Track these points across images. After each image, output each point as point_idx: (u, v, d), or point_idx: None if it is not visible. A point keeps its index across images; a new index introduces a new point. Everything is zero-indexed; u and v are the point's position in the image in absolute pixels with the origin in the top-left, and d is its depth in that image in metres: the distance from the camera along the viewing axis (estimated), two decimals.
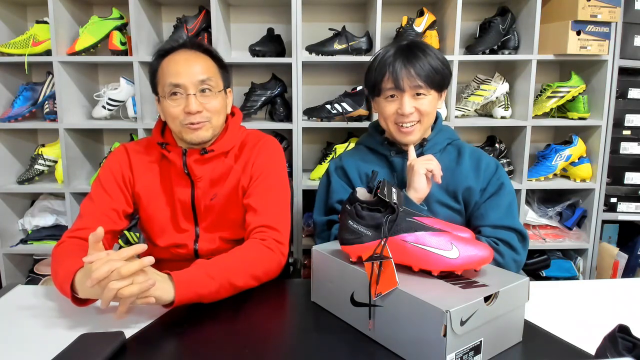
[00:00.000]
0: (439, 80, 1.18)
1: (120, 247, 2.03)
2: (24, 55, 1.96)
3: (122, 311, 0.88)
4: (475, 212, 1.22)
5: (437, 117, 1.30)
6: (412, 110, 1.17)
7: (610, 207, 2.16)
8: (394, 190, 0.90)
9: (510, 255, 1.15)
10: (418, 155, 1.22)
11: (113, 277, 0.86)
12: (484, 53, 2.06)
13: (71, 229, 1.14)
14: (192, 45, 1.20)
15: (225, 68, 1.24)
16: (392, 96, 1.19)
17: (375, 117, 2.02)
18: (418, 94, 1.17)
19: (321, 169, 2.12)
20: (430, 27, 2.07)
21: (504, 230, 1.17)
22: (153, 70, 1.20)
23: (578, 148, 2.12)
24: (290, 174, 2.10)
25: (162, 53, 1.19)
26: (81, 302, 0.94)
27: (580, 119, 2.11)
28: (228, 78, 1.25)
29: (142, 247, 0.92)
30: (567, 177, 2.20)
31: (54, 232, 2.14)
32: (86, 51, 1.97)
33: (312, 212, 1.37)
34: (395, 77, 1.15)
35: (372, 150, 1.32)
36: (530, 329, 0.87)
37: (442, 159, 1.22)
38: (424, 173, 1.14)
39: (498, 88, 2.13)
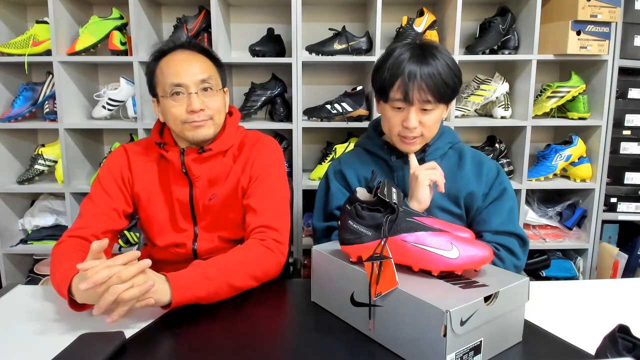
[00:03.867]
0: (449, 95, 1.15)
1: (120, 247, 2.03)
2: (24, 55, 1.96)
3: (120, 314, 0.88)
4: (476, 217, 1.21)
5: None
6: (416, 124, 1.13)
7: (610, 207, 2.16)
8: (394, 190, 0.90)
9: (510, 261, 1.15)
10: (419, 160, 1.19)
11: (113, 281, 0.85)
12: (484, 53, 2.06)
13: (71, 229, 1.14)
14: (189, 45, 1.20)
15: (222, 67, 1.24)
16: (399, 108, 1.14)
17: (375, 116, 2.03)
18: (425, 110, 1.13)
19: (321, 169, 2.12)
20: (430, 27, 2.07)
21: (505, 235, 1.17)
22: (150, 71, 1.20)
23: (578, 148, 2.12)
24: (290, 174, 2.10)
25: (159, 54, 1.19)
26: (78, 306, 0.93)
27: (580, 119, 2.11)
28: (225, 77, 1.25)
29: (136, 253, 0.92)
30: (567, 177, 2.20)
31: (54, 232, 2.14)
32: (86, 51, 1.97)
33: (312, 212, 1.37)
34: (405, 89, 1.10)
35: (371, 154, 1.30)
36: (530, 329, 0.87)
37: (444, 164, 1.20)
38: (428, 184, 1.11)
39: (498, 88, 2.13)
